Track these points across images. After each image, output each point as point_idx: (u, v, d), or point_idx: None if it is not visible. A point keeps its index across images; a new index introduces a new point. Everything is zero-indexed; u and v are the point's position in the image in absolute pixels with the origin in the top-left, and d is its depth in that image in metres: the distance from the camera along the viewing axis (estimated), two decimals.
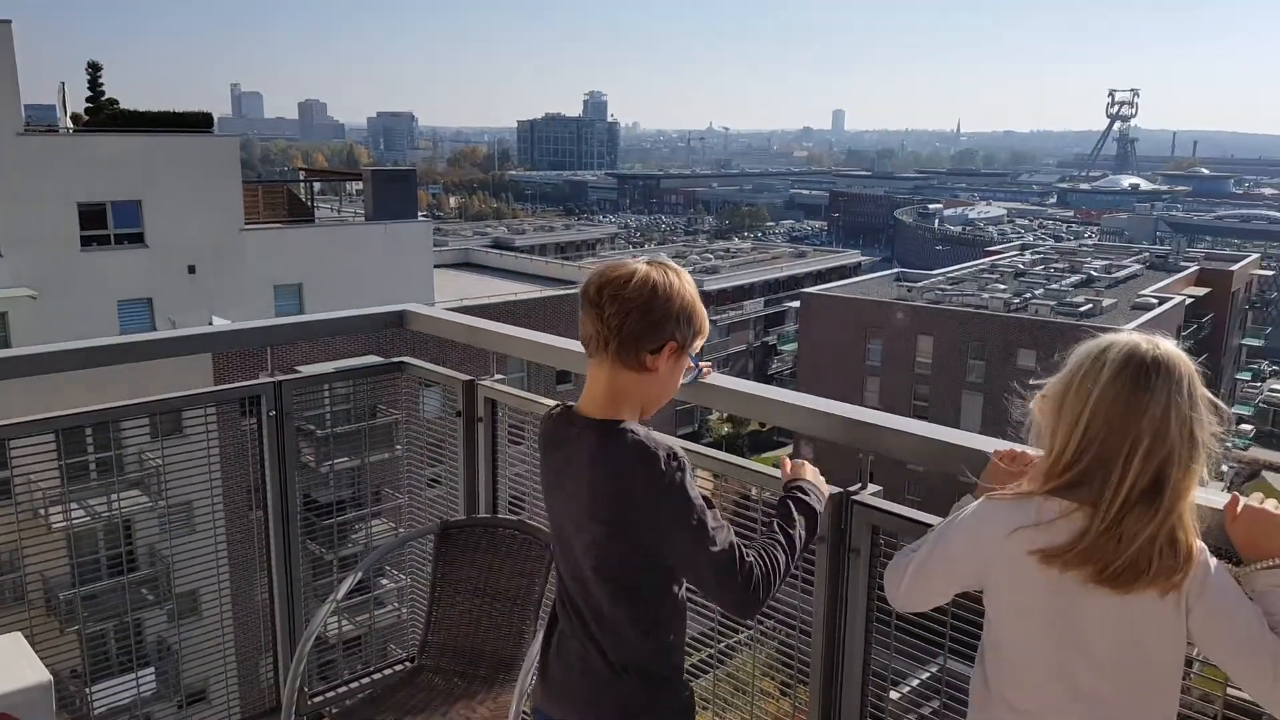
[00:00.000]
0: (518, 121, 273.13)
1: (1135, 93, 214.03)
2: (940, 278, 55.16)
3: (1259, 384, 69.31)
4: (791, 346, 61.89)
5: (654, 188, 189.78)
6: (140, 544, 3.92)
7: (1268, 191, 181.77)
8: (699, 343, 2.00)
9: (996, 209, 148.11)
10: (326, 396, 3.76)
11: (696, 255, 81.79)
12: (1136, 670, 1.75)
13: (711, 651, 2.96)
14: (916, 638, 2.36)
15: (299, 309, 27.19)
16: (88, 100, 28.55)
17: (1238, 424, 61.80)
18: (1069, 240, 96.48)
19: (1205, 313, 53.48)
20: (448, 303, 27.66)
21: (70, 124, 27.04)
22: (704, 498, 1.90)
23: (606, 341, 1.91)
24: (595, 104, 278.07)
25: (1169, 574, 1.68)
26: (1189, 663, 1.91)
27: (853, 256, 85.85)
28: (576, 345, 3.22)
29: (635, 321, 1.89)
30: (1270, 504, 1.80)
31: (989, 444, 2.16)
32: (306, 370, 3.84)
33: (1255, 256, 69.35)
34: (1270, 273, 77.82)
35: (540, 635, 2.21)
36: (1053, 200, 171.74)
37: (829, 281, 60.70)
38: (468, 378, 3.47)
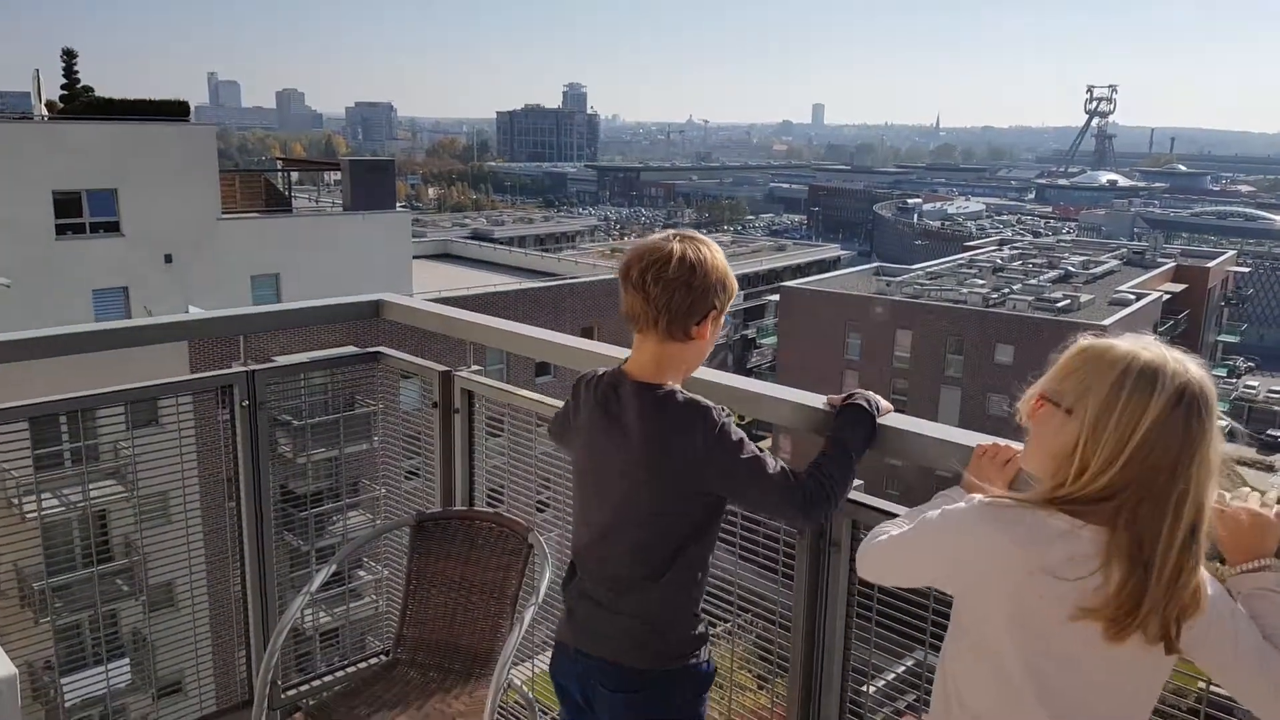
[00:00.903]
0: (497, 113, 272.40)
1: (1113, 89, 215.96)
2: (919, 272, 55.38)
3: (1235, 380, 70.23)
4: (771, 340, 62.06)
5: (634, 180, 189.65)
6: (115, 535, 3.86)
7: (1244, 188, 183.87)
8: (730, 303, 2.20)
9: (975, 204, 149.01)
10: (303, 386, 3.71)
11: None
12: (1114, 686, 1.68)
13: None
14: (897, 632, 2.34)
15: (276, 299, 26.96)
16: (62, 88, 28.18)
17: None
18: (1047, 236, 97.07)
19: (1182, 309, 54.02)
20: (426, 294, 27.52)
21: (45, 111, 26.66)
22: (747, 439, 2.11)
23: (656, 319, 2.09)
24: (575, 96, 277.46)
25: (1188, 618, 1.59)
26: None
27: (832, 250, 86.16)
28: (554, 335, 3.21)
29: (681, 299, 2.08)
30: (1254, 500, 1.77)
31: (972, 438, 2.14)
32: (282, 360, 3.78)
33: (1231, 253, 70.16)
34: (1246, 269, 78.75)
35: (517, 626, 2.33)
36: (1031, 196, 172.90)
37: (808, 275, 60.88)
38: (444, 369, 3.42)
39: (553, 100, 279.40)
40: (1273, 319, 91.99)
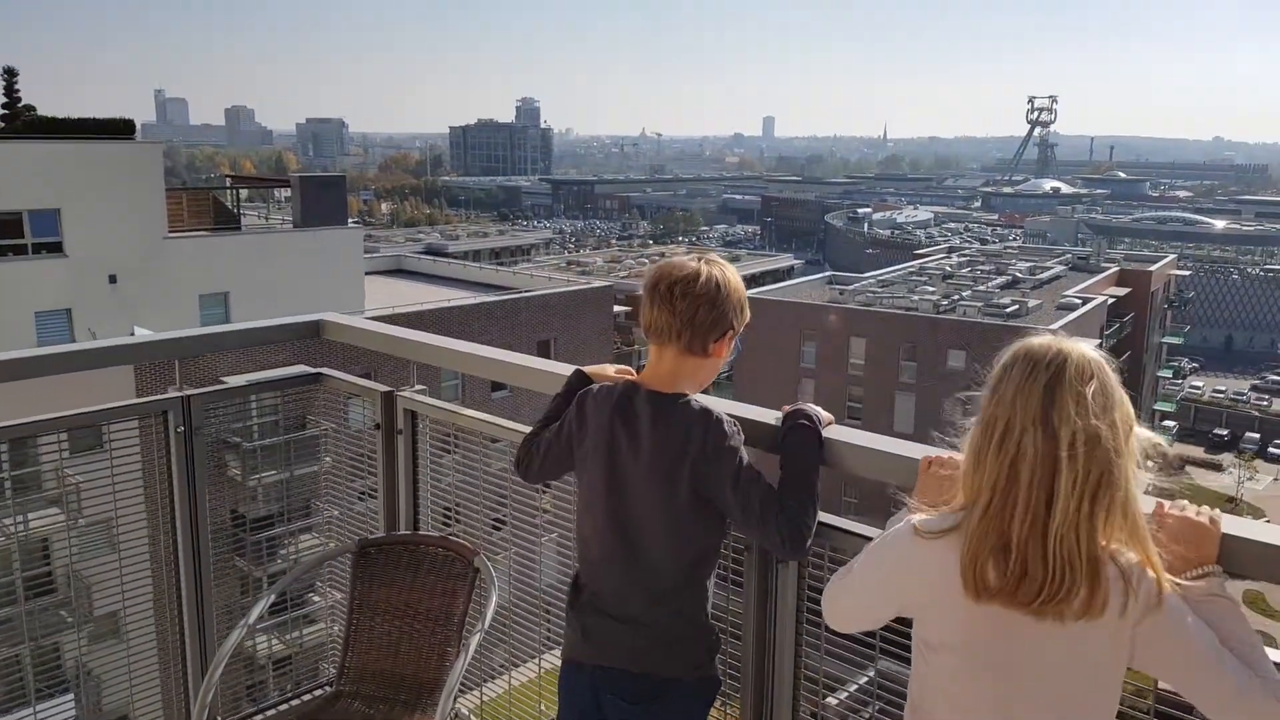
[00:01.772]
0: (450, 127, 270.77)
1: (1054, 99, 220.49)
2: (871, 280, 55.97)
3: (1180, 381, 71.89)
4: None
5: (588, 193, 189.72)
6: (56, 564, 3.71)
7: (1182, 194, 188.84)
8: (744, 326, 2.30)
9: (924, 213, 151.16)
10: (254, 408, 3.61)
11: (632, 260, 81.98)
12: (1074, 700, 1.68)
13: None
14: (849, 639, 2.31)
15: (225, 318, 26.50)
16: (3, 107, 27.49)
17: (1160, 420, 64.05)
18: (994, 243, 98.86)
19: (1126, 312, 55.15)
20: (378, 310, 27.20)
21: None
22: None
23: (680, 333, 2.19)
24: (528, 110, 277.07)
25: (1080, 598, 1.59)
26: None
27: (785, 260, 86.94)
28: (498, 353, 3.15)
29: (705, 315, 2.18)
30: (1191, 510, 1.77)
31: (917, 450, 2.12)
32: (220, 384, 3.68)
33: (1172, 257, 71.80)
34: (1187, 273, 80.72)
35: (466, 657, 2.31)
36: (977, 204, 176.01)
37: (763, 285, 61.16)
38: (386, 389, 3.34)
39: (506, 115, 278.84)
40: (1214, 321, 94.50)
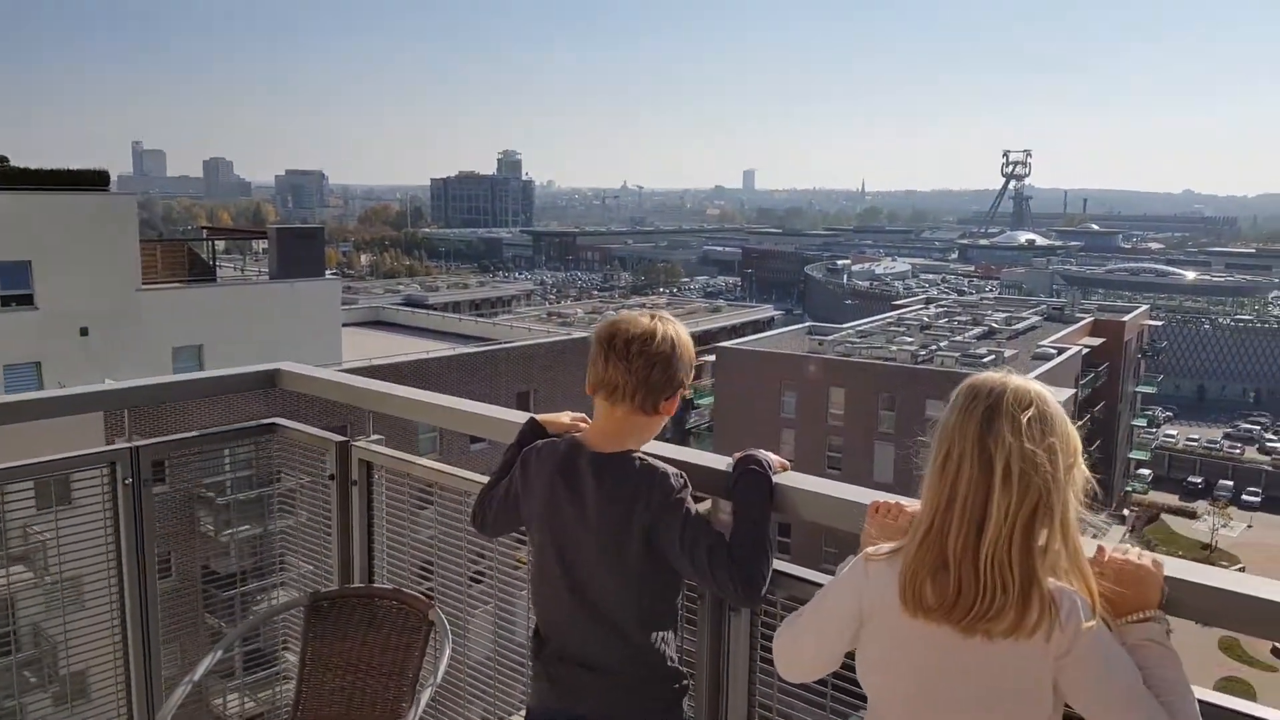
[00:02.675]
0: (431, 179, 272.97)
1: (1028, 153, 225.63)
2: (850, 331, 56.36)
3: (1154, 430, 72.43)
4: (708, 400, 62.30)
5: (570, 244, 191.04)
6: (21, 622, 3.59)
7: (1154, 245, 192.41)
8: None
9: (902, 264, 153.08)
10: (226, 461, 3.54)
11: (613, 311, 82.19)
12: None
13: None
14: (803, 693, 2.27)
15: (199, 371, 26.24)
16: None
17: (1135, 469, 64.38)
18: (971, 294, 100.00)
19: (1101, 362, 55.72)
20: (354, 362, 27.08)
21: None
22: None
23: (634, 392, 2.17)
24: (510, 162, 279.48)
25: (1010, 616, 1.62)
26: None
27: (766, 311, 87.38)
28: (458, 402, 3.13)
29: (659, 374, 2.18)
30: (1134, 554, 1.77)
31: (866, 495, 2.11)
32: (170, 435, 3.61)
33: (1145, 308, 72.88)
34: (1159, 323, 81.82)
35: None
36: (954, 256, 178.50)
37: (743, 335, 61.51)
38: (341, 439, 3.29)
39: (488, 167, 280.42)
40: (1186, 370, 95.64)
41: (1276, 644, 35.05)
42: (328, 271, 37.84)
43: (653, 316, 2.24)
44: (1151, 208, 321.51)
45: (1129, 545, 1.80)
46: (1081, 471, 1.72)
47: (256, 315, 27.63)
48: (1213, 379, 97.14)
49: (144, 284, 26.51)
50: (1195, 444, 74.00)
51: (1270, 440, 75.39)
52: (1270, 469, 67.97)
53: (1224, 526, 56.83)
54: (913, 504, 2.02)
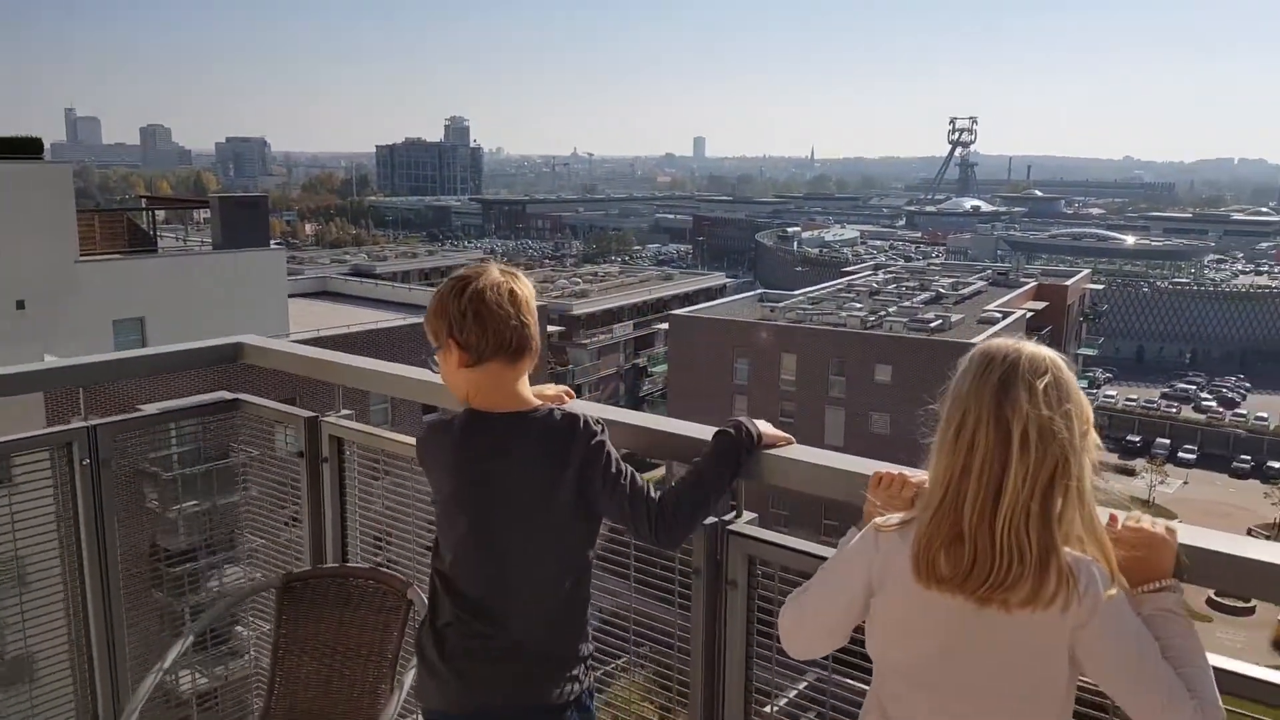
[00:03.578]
0: (376, 147, 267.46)
1: (974, 120, 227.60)
2: (801, 297, 56.72)
3: (1095, 390, 74.25)
4: (662, 368, 62.43)
5: (519, 213, 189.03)
6: None
7: (1095, 211, 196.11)
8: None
9: (850, 231, 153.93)
10: (172, 438, 3.40)
11: (565, 280, 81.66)
12: (1015, 692, 1.68)
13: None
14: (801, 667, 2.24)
15: (142, 344, 25.55)
16: None
17: None
18: (918, 260, 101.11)
19: (1044, 325, 56.72)
20: (302, 333, 26.58)
21: None
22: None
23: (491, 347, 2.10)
24: (457, 129, 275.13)
25: (1027, 585, 1.60)
26: None
27: (718, 278, 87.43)
28: (431, 376, 3.02)
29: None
30: (1146, 521, 1.75)
31: (868, 466, 2.07)
32: (143, 410, 3.46)
33: (1086, 272, 74.31)
34: (1100, 287, 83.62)
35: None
36: (901, 222, 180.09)
37: (696, 303, 61.54)
38: (310, 414, 3.17)
39: (435, 134, 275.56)
40: (1126, 332, 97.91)
41: (1213, 594, 36.32)
42: (272, 241, 37.04)
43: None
44: (1093, 174, 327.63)
45: (1140, 513, 1.78)
46: (1094, 439, 1.70)
47: (200, 287, 26.94)
48: (1151, 341, 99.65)
49: (82, 255, 25.67)
50: (1134, 404, 75.95)
51: (1205, 399, 77.69)
52: (1205, 427, 70.09)
53: (1161, 483, 58.59)
54: (916, 474, 1.99)
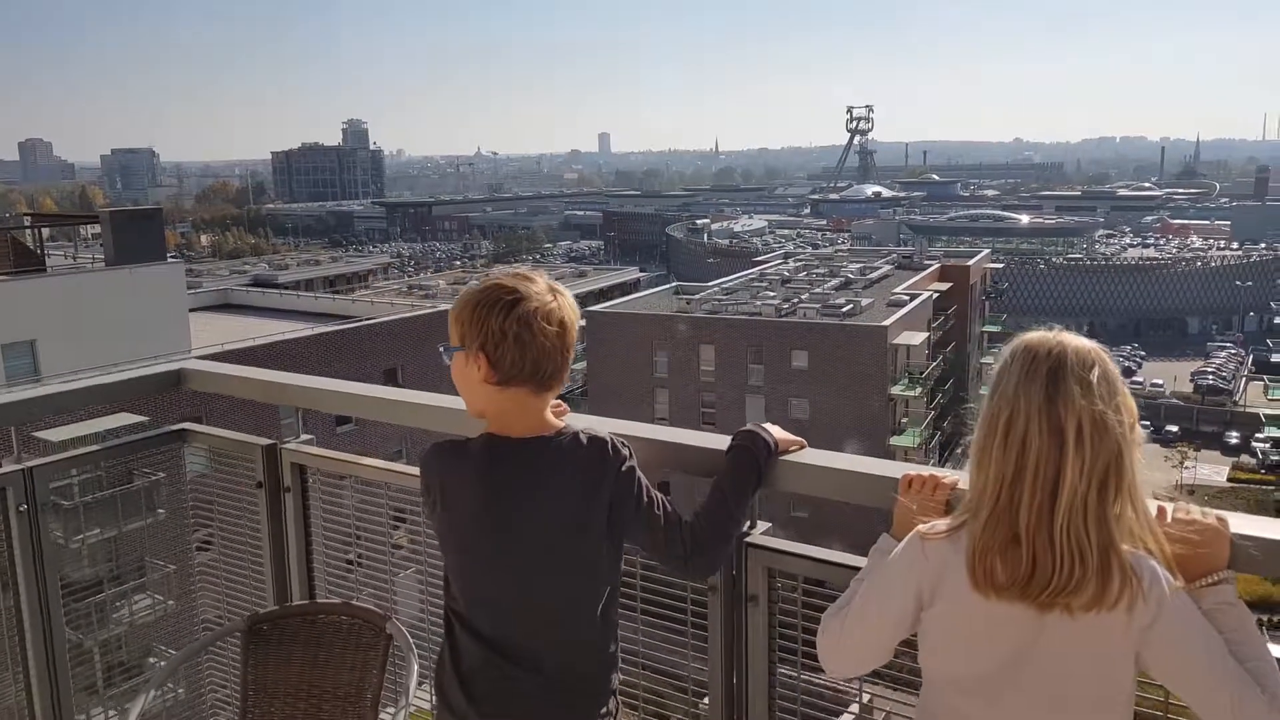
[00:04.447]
0: (272, 153, 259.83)
1: (870, 109, 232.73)
2: (715, 289, 57.13)
3: None
4: (580, 365, 62.23)
5: (425, 215, 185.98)
6: None
7: (989, 193, 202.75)
8: None
9: (759, 222, 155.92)
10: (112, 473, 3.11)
11: (476, 280, 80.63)
12: (1080, 696, 1.62)
13: None
14: (829, 687, 2.14)
15: (33, 369, 24.27)
16: None
17: None
18: (826, 247, 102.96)
19: (950, 305, 58.38)
20: (206, 349, 25.62)
21: None
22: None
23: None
24: (356, 132, 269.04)
25: (1090, 588, 1.55)
26: None
27: (631, 273, 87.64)
28: (402, 393, 2.84)
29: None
30: (1196, 512, 1.71)
31: (894, 469, 1.98)
32: (66, 433, 3.18)
33: (986, 252, 76.73)
34: (1000, 265, 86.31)
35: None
36: (807, 211, 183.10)
37: (611, 299, 61.47)
38: (268, 442, 2.95)
39: (333, 137, 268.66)
40: (1026, 308, 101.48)
41: None
42: (168, 255, 35.58)
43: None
44: (985, 156, 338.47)
45: (1189, 505, 1.73)
46: (1140, 431, 1.65)
47: (94, 305, 25.69)
48: (1049, 316, 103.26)
49: None
50: None
51: None
52: None
53: None
54: (948, 475, 1.93)
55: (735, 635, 2.20)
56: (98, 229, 30.88)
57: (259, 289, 49.97)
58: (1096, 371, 1.59)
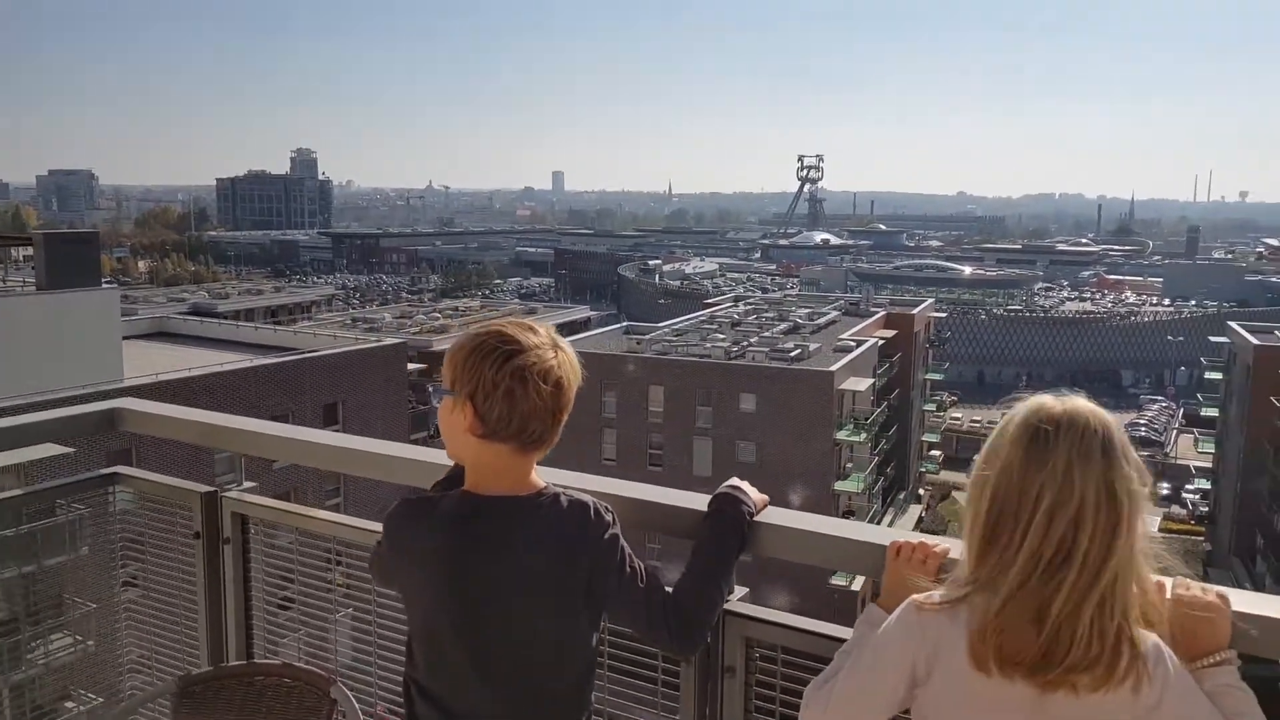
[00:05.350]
0: (217, 179, 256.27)
1: (820, 158, 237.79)
2: (666, 330, 57.36)
3: (942, 413, 77.99)
4: None
5: (373, 247, 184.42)
6: None
7: (934, 243, 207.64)
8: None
9: (710, 264, 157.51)
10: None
11: (423, 315, 79.95)
12: None
13: None
14: None
15: None
16: None
17: (928, 450, 69.12)
18: (774, 291, 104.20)
19: (895, 352, 59.28)
20: (138, 379, 24.89)
21: None
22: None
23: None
24: (304, 162, 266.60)
25: (1101, 667, 1.47)
26: None
27: (582, 312, 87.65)
28: (360, 441, 2.67)
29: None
30: (1196, 588, 1.64)
31: (881, 535, 1.89)
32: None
33: (930, 301, 78.28)
34: (943, 314, 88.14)
35: None
36: (757, 255, 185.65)
37: (561, 337, 61.30)
38: (207, 489, 2.76)
39: (280, 166, 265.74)
40: (968, 357, 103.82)
41: None
42: (103, 280, 34.69)
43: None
44: (931, 208, 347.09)
45: (1188, 580, 1.66)
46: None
47: (23, 331, 24.82)
48: (990, 364, 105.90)
49: None
50: (979, 425, 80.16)
51: None
52: None
53: None
54: (939, 543, 1.84)
55: (710, 710, 2.07)
56: (30, 251, 29.97)
57: (197, 318, 48.89)
58: (1122, 436, 1.54)
